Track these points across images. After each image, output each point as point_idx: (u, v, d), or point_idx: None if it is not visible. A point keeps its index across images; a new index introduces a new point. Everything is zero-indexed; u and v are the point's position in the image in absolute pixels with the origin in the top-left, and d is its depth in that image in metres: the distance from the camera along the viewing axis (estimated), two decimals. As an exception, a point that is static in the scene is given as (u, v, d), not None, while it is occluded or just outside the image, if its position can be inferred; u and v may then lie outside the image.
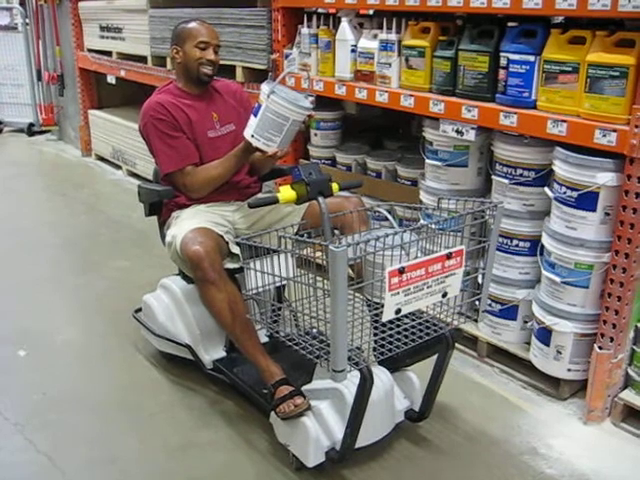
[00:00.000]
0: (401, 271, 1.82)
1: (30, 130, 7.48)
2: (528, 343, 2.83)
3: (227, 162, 2.64)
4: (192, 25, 2.73)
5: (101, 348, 3.14)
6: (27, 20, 7.06)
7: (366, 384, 2.02)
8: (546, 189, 2.61)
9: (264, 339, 2.68)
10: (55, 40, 6.67)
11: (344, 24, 3.26)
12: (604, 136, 2.30)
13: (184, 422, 2.60)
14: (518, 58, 2.57)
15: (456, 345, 2.38)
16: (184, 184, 2.67)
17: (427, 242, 2.10)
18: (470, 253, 2.07)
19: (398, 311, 1.87)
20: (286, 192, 2.25)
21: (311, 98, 2.48)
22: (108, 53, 5.77)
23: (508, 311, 2.87)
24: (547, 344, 2.66)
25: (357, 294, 2.14)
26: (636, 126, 2.22)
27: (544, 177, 2.66)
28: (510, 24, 2.63)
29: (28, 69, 7.18)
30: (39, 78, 7.08)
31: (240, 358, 2.61)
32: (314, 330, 2.12)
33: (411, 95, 2.98)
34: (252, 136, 2.46)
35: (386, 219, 2.19)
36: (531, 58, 2.53)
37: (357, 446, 2.19)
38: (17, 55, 7.34)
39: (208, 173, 2.66)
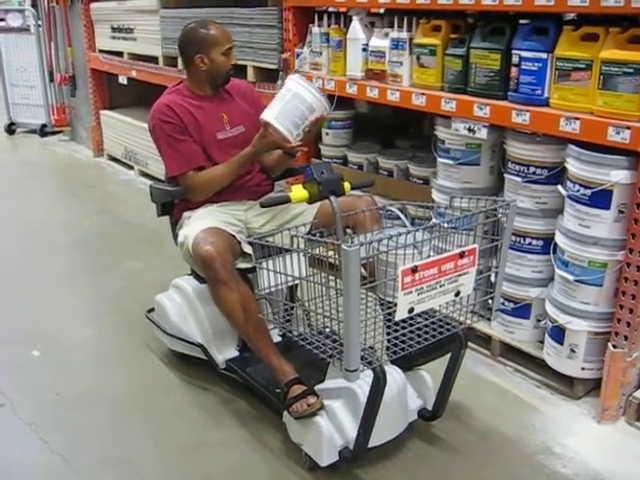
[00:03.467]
0: (414, 270, 1.81)
1: (42, 131, 7.51)
2: (541, 342, 2.82)
3: (229, 166, 2.66)
4: (213, 31, 2.70)
5: (114, 348, 3.15)
6: (39, 22, 7.09)
7: (379, 383, 2.02)
8: (559, 187, 2.60)
9: (277, 338, 2.68)
10: (67, 41, 6.70)
11: (355, 23, 3.25)
12: (618, 133, 2.29)
13: (197, 421, 2.61)
14: (530, 55, 2.55)
15: (469, 344, 2.37)
16: (187, 187, 2.68)
17: (440, 241, 2.09)
18: (483, 252, 2.07)
19: (411, 310, 1.87)
20: (298, 191, 2.25)
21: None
22: (119, 54, 5.79)
23: (521, 310, 2.86)
24: (561, 343, 2.65)
25: (370, 293, 2.13)
26: (650, 123, 2.21)
27: (557, 175, 2.64)
28: (522, 21, 2.61)
29: (40, 70, 7.20)
30: (51, 79, 7.11)
31: (253, 357, 2.61)
32: (327, 329, 2.12)
33: (422, 93, 2.97)
34: (275, 119, 2.49)
35: (398, 218, 2.19)
36: (543, 55, 2.52)
37: (370, 445, 2.19)
38: (29, 56, 7.37)
39: (208, 177, 2.67)
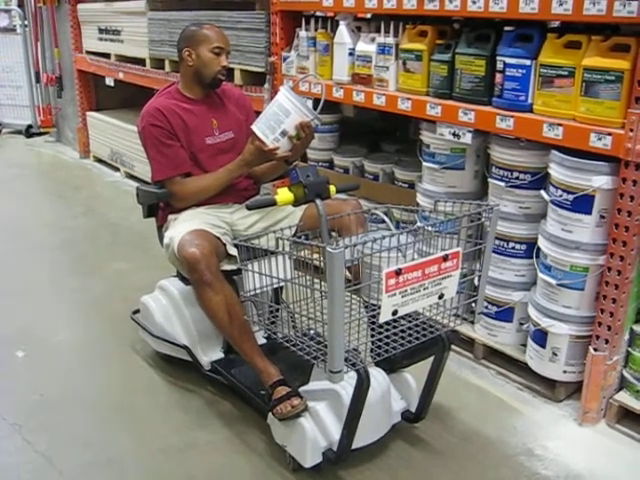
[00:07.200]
0: (398, 273, 1.83)
1: (28, 132, 7.49)
2: (524, 345, 2.85)
3: (218, 176, 2.66)
4: (207, 29, 2.72)
5: (99, 349, 3.15)
6: (26, 22, 7.07)
7: (363, 385, 2.03)
8: (542, 192, 2.63)
9: (261, 340, 2.70)
10: (54, 42, 6.68)
11: (342, 27, 3.27)
12: (599, 139, 2.32)
13: (181, 423, 2.61)
14: (514, 62, 2.58)
15: (452, 347, 2.39)
16: (172, 192, 2.69)
17: (424, 244, 2.11)
18: (466, 255, 2.09)
19: (395, 312, 1.88)
20: (284, 194, 2.26)
21: (317, 122, 2.53)
22: (107, 55, 5.77)
23: (504, 313, 2.89)
24: (543, 346, 2.68)
25: (354, 296, 2.15)
26: (631, 130, 2.24)
27: (540, 180, 2.68)
28: (507, 28, 2.64)
29: (26, 71, 7.19)
30: (37, 80, 7.09)
31: (238, 359, 2.62)
32: (311, 331, 2.13)
33: (408, 98, 2.99)
34: (254, 124, 2.51)
35: (383, 221, 2.21)
36: (527, 62, 2.55)
37: (354, 447, 2.20)
38: (15, 57, 7.37)
39: (197, 185, 2.68)
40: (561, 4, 2.33)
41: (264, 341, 2.75)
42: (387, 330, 2.06)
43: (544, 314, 2.65)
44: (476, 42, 2.76)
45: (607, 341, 2.49)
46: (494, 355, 2.98)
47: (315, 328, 2.07)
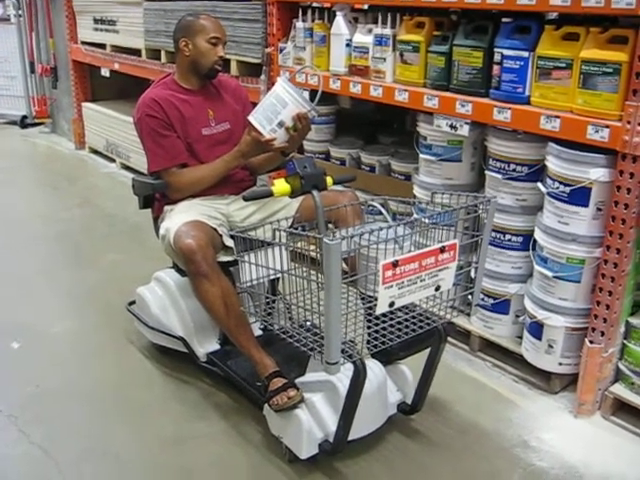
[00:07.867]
0: (395, 264, 1.83)
1: (23, 122, 7.45)
2: (520, 337, 2.85)
3: (215, 166, 2.66)
4: (204, 19, 2.71)
5: (95, 340, 3.15)
6: (20, 12, 7.02)
7: (359, 377, 2.03)
8: (539, 184, 2.63)
9: (258, 332, 2.69)
10: (49, 32, 6.65)
11: (339, 18, 3.26)
12: (597, 132, 2.32)
13: (178, 414, 2.61)
14: (512, 54, 2.58)
15: (449, 339, 2.40)
16: (168, 183, 2.68)
17: (420, 236, 2.11)
18: (463, 247, 2.09)
19: (392, 304, 1.89)
20: (280, 185, 2.26)
21: (314, 113, 2.52)
22: (102, 46, 5.75)
23: (500, 305, 2.89)
24: (539, 338, 2.68)
25: (351, 287, 2.15)
26: (628, 122, 2.24)
27: (537, 172, 2.67)
28: (504, 20, 2.64)
29: (21, 61, 7.14)
30: (32, 70, 7.06)
31: (234, 351, 2.62)
32: (308, 323, 2.13)
33: (405, 90, 2.98)
34: (251, 115, 2.50)
35: (380, 213, 2.20)
36: (525, 54, 2.54)
37: (350, 438, 2.21)
38: (10, 47, 7.32)
39: (193, 176, 2.67)
40: (559, -5, 2.33)
41: (260, 333, 2.74)
42: (383, 322, 2.06)
43: (540, 306, 2.66)
44: (474, 34, 2.76)
45: (603, 333, 2.49)
46: (490, 347, 2.98)
47: (312, 320, 2.07)
